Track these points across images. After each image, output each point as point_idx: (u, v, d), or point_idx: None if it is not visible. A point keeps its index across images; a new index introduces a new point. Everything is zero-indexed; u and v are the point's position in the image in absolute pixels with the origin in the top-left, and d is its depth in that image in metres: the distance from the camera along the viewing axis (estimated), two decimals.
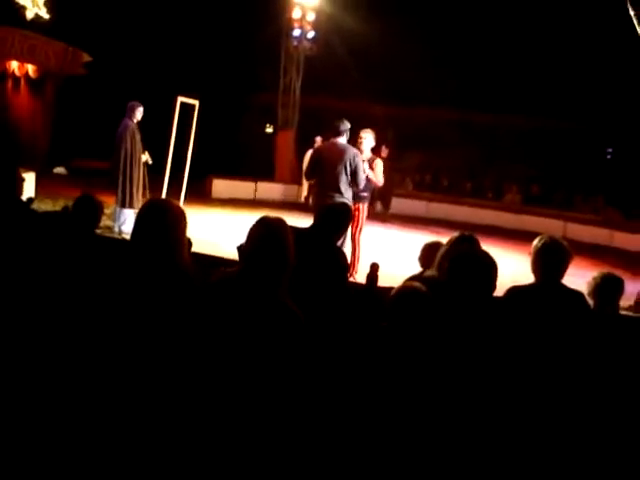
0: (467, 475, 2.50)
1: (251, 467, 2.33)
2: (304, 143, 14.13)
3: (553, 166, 16.43)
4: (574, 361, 3.00)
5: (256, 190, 15.31)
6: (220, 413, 2.34)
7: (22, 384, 2.80)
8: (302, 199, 13.81)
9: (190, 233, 2.66)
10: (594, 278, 3.49)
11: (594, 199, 15.74)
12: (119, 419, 2.35)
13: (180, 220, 2.54)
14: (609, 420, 2.95)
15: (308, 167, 6.81)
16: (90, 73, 13.34)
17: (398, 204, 14.31)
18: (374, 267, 4.09)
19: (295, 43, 15.89)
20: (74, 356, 2.52)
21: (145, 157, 8.46)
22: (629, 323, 3.57)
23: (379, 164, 7.07)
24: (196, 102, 9.94)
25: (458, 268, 2.76)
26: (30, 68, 13.89)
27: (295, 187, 15.31)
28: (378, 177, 6.99)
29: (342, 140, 6.40)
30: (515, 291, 3.28)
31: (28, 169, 8.96)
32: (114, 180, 8.27)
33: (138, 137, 8.31)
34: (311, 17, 15.55)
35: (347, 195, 6.28)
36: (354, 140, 6.77)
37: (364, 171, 6.48)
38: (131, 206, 8.24)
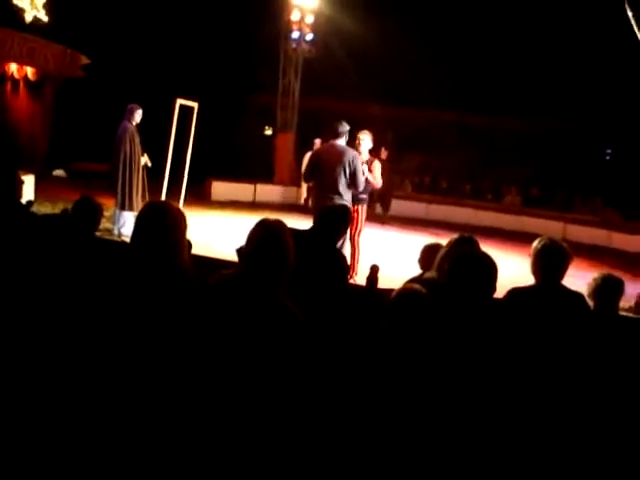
0: (468, 476, 2.50)
1: (251, 468, 2.32)
2: (303, 145, 14.14)
3: (552, 167, 16.45)
4: (574, 362, 3.00)
5: (255, 192, 15.31)
6: (220, 415, 2.34)
7: (23, 386, 2.79)
8: (301, 201, 13.80)
9: (190, 235, 2.66)
10: (594, 279, 3.49)
11: (593, 200, 15.76)
12: (120, 420, 2.35)
13: (180, 222, 2.54)
14: (610, 420, 2.95)
15: (307, 169, 6.81)
16: (89, 76, 13.33)
17: (397, 206, 14.32)
18: (374, 269, 4.09)
19: (294, 45, 15.91)
20: (74, 358, 2.52)
21: (144, 160, 8.46)
22: (629, 324, 3.57)
23: (377, 166, 7.08)
24: (195, 104, 9.94)
25: (458, 270, 2.76)
26: (29, 71, 13.89)
27: (294, 189, 15.31)
28: (376, 179, 7.00)
29: (341, 142, 6.40)
30: (515, 293, 3.28)
31: (27, 172, 8.96)
32: (113, 183, 8.27)
33: (137, 140, 8.32)
34: (310, 19, 15.57)
35: (346, 197, 6.27)
36: (352, 142, 6.78)
37: (363, 173, 6.48)
38: (130, 208, 8.24)
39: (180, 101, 9.68)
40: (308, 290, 3.00)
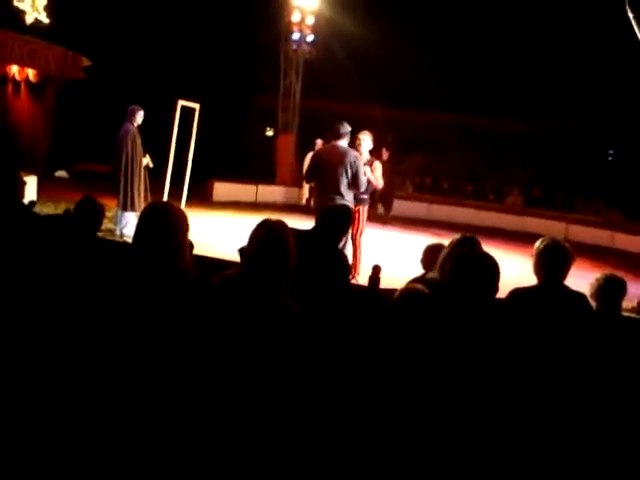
0: (471, 476, 2.49)
1: (253, 468, 2.32)
2: (304, 146, 14.15)
3: (553, 169, 16.45)
4: (577, 363, 3.00)
5: (257, 193, 15.33)
6: (222, 415, 2.34)
7: (25, 387, 2.80)
8: (303, 202, 13.84)
9: (191, 236, 2.66)
10: (597, 280, 3.48)
11: (594, 201, 15.74)
12: (121, 421, 2.35)
13: (182, 223, 2.54)
14: (612, 421, 2.94)
15: (308, 170, 6.82)
16: (90, 77, 13.34)
17: (399, 206, 14.33)
18: (376, 269, 4.08)
19: (294, 46, 15.93)
20: (76, 358, 2.52)
21: (146, 161, 8.47)
22: (631, 324, 3.56)
23: (378, 166, 7.10)
24: (197, 105, 9.95)
25: (460, 270, 2.76)
26: (30, 72, 13.90)
27: (296, 190, 15.34)
28: (377, 179, 7.02)
29: (343, 143, 6.40)
30: (517, 293, 3.27)
31: (30, 173, 8.97)
32: (115, 183, 8.28)
33: (139, 141, 8.33)
34: (310, 21, 15.59)
35: (348, 197, 6.28)
36: (353, 143, 6.79)
37: (365, 173, 6.49)
38: (132, 209, 8.25)
39: (182, 102, 9.69)
40: (310, 290, 3.00)
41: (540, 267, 3.28)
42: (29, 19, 12.98)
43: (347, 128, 6.44)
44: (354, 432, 2.54)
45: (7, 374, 2.89)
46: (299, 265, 2.50)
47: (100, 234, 4.30)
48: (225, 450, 2.33)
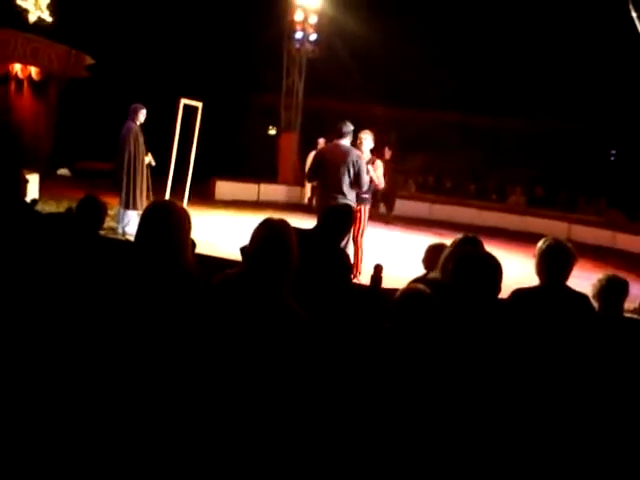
0: (472, 476, 2.49)
1: (254, 468, 2.32)
2: (307, 145, 14.15)
3: (556, 168, 16.42)
4: (579, 364, 2.99)
5: (259, 192, 15.33)
6: (224, 414, 2.34)
7: (26, 385, 2.80)
8: (305, 201, 13.84)
9: (193, 234, 2.66)
10: (599, 280, 3.48)
11: (597, 201, 15.72)
12: (123, 419, 2.35)
13: (184, 222, 2.54)
14: (614, 422, 2.94)
15: (310, 169, 6.82)
16: (93, 76, 13.36)
17: (401, 206, 14.31)
18: (378, 269, 4.08)
19: (297, 45, 15.92)
20: (78, 357, 2.52)
21: (148, 159, 8.48)
22: (634, 325, 3.55)
23: (379, 165, 7.10)
24: (199, 104, 9.96)
25: (462, 270, 2.75)
26: (33, 71, 13.92)
27: (298, 189, 15.34)
28: (379, 178, 7.03)
29: (345, 142, 6.40)
30: (519, 293, 3.26)
31: (32, 171, 8.99)
32: (118, 182, 8.29)
33: (141, 139, 8.33)
34: (313, 20, 15.57)
35: (350, 197, 6.28)
36: (354, 142, 6.79)
37: (368, 172, 6.49)
38: (135, 207, 8.26)
39: (184, 101, 9.71)
40: (312, 290, 3.00)
41: (542, 267, 3.27)
42: (32, 17, 13.00)
43: (349, 127, 6.44)
44: (355, 431, 2.54)
45: (9, 372, 2.89)
46: (301, 264, 2.50)
47: (102, 232, 4.30)
48: (227, 449, 2.33)
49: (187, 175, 10.13)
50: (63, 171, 14.93)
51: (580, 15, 14.54)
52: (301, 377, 2.41)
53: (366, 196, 6.91)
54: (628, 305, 3.68)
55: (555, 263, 3.24)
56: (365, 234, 7.06)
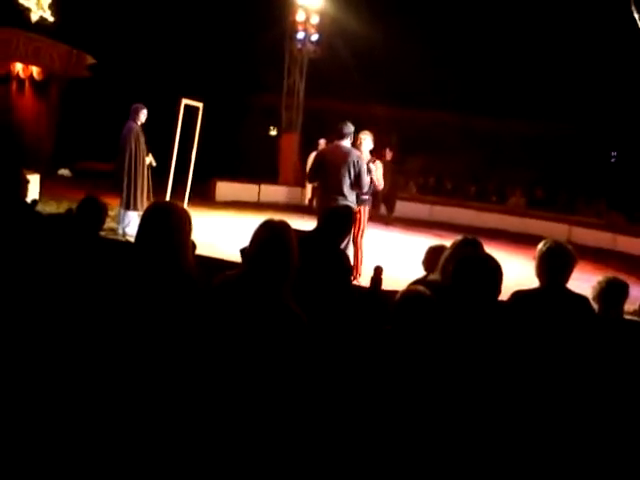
0: (472, 476, 2.49)
1: (254, 469, 2.32)
2: (308, 145, 14.15)
3: (556, 170, 16.42)
4: (579, 365, 2.99)
5: (260, 193, 15.33)
6: (224, 415, 2.34)
7: (26, 386, 2.80)
8: (306, 202, 13.84)
9: (194, 235, 2.66)
10: (599, 282, 3.48)
11: (597, 203, 15.72)
12: (123, 420, 2.35)
13: (184, 223, 2.54)
14: (614, 424, 2.94)
15: (311, 169, 6.82)
16: (94, 75, 13.37)
17: (401, 207, 14.32)
18: (378, 270, 4.08)
19: (299, 46, 15.92)
20: (78, 358, 2.52)
21: (149, 159, 8.48)
22: (634, 327, 3.56)
23: (379, 166, 7.11)
24: (200, 104, 9.96)
25: (462, 272, 2.75)
26: (34, 70, 13.92)
27: (299, 190, 15.33)
28: (378, 179, 7.03)
29: (346, 143, 6.40)
30: (519, 295, 3.26)
31: (32, 171, 8.99)
32: (118, 182, 8.29)
33: (142, 139, 8.33)
34: (315, 20, 15.58)
35: (351, 198, 6.28)
36: (354, 142, 6.79)
37: (369, 172, 6.49)
38: (135, 208, 8.26)
39: (185, 101, 9.70)
40: (312, 291, 3.00)
41: (542, 269, 3.27)
42: (34, 17, 13.02)
43: (350, 128, 6.44)
44: (355, 433, 2.54)
45: (9, 373, 2.89)
46: (301, 266, 2.50)
47: (103, 233, 4.30)
48: (227, 450, 2.33)
49: (188, 176, 10.13)
50: (64, 171, 14.94)
51: (581, 18, 14.55)
52: (301, 378, 2.41)
53: (366, 197, 6.91)
54: (628, 307, 3.69)
55: (555, 265, 3.24)
56: (365, 235, 7.06)
